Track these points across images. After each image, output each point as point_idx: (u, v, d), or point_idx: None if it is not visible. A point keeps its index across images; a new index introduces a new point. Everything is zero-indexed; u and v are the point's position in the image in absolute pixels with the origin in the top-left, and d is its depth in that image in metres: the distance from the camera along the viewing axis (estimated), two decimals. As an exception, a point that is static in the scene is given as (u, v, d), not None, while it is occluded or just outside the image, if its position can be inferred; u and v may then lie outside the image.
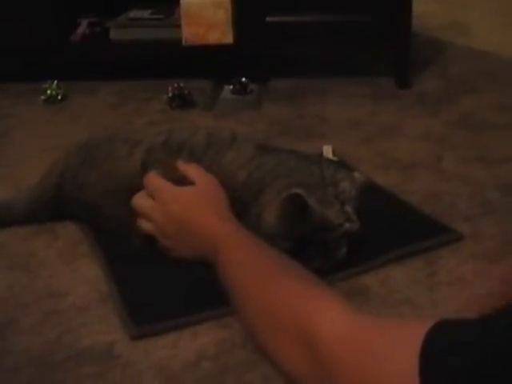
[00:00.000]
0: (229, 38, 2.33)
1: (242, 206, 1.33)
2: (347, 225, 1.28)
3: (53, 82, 2.36)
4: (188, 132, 1.47)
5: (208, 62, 2.44)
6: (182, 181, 1.34)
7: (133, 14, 2.55)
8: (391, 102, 2.24)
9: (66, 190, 1.49)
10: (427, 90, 2.34)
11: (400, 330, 0.85)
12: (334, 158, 1.73)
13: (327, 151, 1.77)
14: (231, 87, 2.31)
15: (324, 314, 0.93)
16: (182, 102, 2.24)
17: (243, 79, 2.30)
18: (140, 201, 1.37)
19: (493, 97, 2.26)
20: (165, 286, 1.28)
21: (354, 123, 2.07)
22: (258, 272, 1.11)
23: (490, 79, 2.43)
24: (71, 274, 1.36)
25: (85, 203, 1.47)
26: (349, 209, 1.30)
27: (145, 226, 1.35)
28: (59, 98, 2.36)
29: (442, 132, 1.99)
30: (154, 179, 1.36)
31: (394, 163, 1.77)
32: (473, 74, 2.49)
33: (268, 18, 2.33)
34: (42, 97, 2.36)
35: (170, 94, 2.24)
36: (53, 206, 1.53)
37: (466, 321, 0.80)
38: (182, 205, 1.31)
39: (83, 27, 2.57)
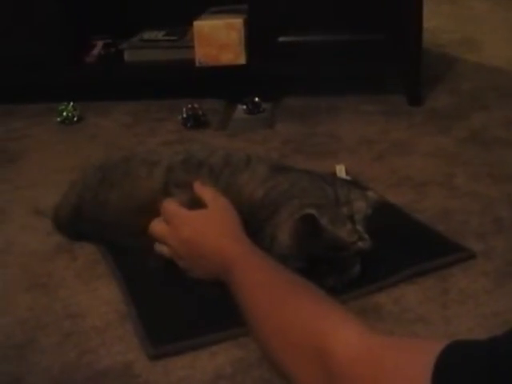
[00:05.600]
0: (241, 59, 2.35)
1: (256, 225, 1.35)
2: (360, 243, 1.30)
3: (69, 103, 2.39)
4: (206, 152, 1.50)
5: (221, 83, 2.47)
6: (198, 202, 1.37)
7: (146, 35, 2.59)
8: (403, 119, 2.26)
9: (84, 209, 1.52)
10: (438, 107, 2.36)
11: (413, 350, 0.86)
12: (347, 178, 1.75)
13: (340, 171, 1.79)
14: (244, 107, 2.34)
15: (338, 333, 0.94)
16: (196, 122, 2.26)
17: (256, 99, 2.33)
18: (155, 226, 1.39)
19: (504, 113, 2.28)
20: (182, 307, 1.30)
21: (367, 141, 2.09)
22: (272, 292, 1.12)
23: (501, 95, 2.45)
24: (90, 295, 1.38)
25: (105, 223, 1.49)
26: (361, 227, 1.33)
27: (161, 249, 1.38)
28: (75, 119, 2.39)
29: (454, 149, 2.01)
30: (167, 205, 1.39)
31: (407, 181, 1.79)
32: (484, 90, 2.51)
33: (280, 39, 2.36)
34: (58, 119, 2.39)
35: (184, 115, 2.26)
36: (71, 225, 1.56)
37: (477, 342, 0.81)
38: (193, 229, 1.34)
39: (98, 49, 2.61)
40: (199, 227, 1.33)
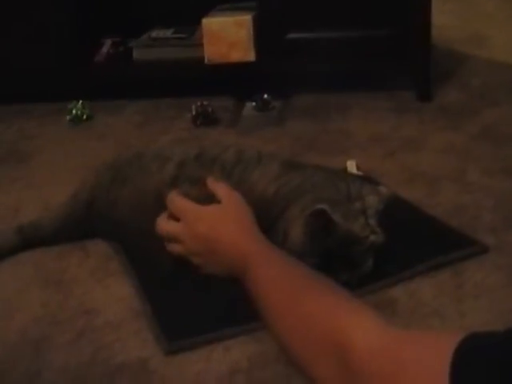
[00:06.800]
0: (251, 56, 2.36)
1: (268, 221, 1.35)
2: (372, 237, 1.30)
3: (78, 102, 2.40)
4: (219, 148, 1.51)
5: (230, 80, 2.46)
6: (210, 198, 1.37)
7: (155, 33, 2.59)
8: (413, 116, 2.25)
9: (97, 207, 1.52)
10: (449, 103, 2.35)
11: (430, 343, 0.86)
12: (359, 173, 1.74)
13: (351, 166, 1.79)
14: (254, 104, 2.33)
15: (356, 327, 0.94)
16: (206, 119, 2.26)
17: (265, 96, 2.32)
18: (165, 225, 1.38)
19: (514, 108, 2.27)
20: (197, 302, 1.30)
21: (377, 137, 2.09)
22: (288, 288, 1.12)
23: (511, 91, 2.44)
24: (103, 291, 1.39)
25: (117, 220, 1.49)
26: (373, 222, 1.32)
27: (174, 248, 1.37)
28: (84, 117, 2.40)
29: (465, 144, 2.00)
30: (176, 200, 1.38)
31: (418, 177, 1.79)
32: (494, 85, 2.50)
33: (289, 35, 2.36)
34: (68, 117, 2.39)
35: (194, 112, 2.27)
36: (83, 224, 1.56)
37: (494, 333, 0.81)
38: (208, 224, 1.33)
39: (107, 47, 2.61)
40: (214, 222, 1.32)
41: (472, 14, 3.58)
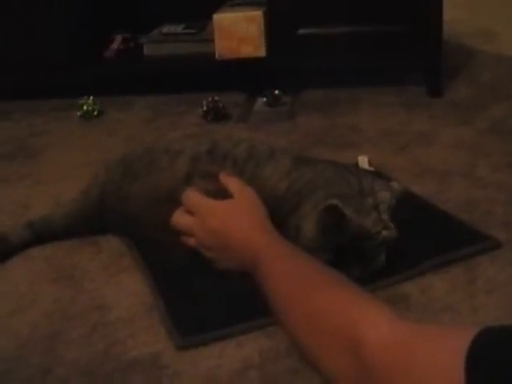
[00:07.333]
0: (261, 52, 2.36)
1: (281, 217, 1.35)
2: (385, 232, 1.30)
3: (89, 98, 2.40)
4: (230, 143, 1.50)
5: (241, 75, 2.47)
6: (223, 193, 1.37)
7: (166, 29, 2.60)
8: (423, 111, 2.25)
9: (107, 202, 1.52)
10: (458, 98, 2.35)
11: (444, 337, 0.86)
12: (370, 169, 1.74)
13: (363, 162, 1.78)
14: (264, 99, 2.33)
15: (369, 321, 0.94)
16: (217, 115, 2.26)
17: (276, 91, 2.32)
18: (180, 219, 1.39)
19: (524, 103, 2.26)
20: (209, 297, 1.30)
21: (388, 133, 2.08)
22: (300, 282, 1.12)
23: (521, 85, 2.43)
24: (115, 287, 1.39)
25: (128, 215, 1.49)
26: (385, 217, 1.32)
27: (187, 241, 1.38)
28: (95, 113, 2.40)
29: (475, 139, 2.00)
30: (192, 196, 1.39)
31: (429, 172, 1.78)
32: (503, 80, 2.49)
33: (300, 31, 2.35)
34: (78, 113, 2.40)
35: (205, 108, 2.26)
36: (94, 219, 1.56)
37: (508, 327, 0.81)
38: (220, 219, 1.33)
39: (117, 43, 2.61)
40: (226, 217, 1.33)
41: (480, 7, 3.57)
